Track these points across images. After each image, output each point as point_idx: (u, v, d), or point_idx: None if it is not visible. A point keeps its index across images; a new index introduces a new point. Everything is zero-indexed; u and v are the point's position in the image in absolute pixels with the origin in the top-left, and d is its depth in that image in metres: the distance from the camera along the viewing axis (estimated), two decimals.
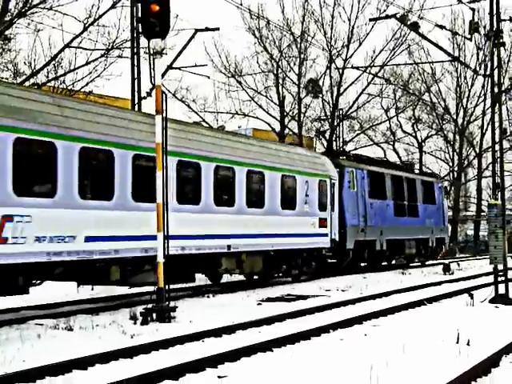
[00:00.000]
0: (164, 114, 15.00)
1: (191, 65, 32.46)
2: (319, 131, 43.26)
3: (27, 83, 25.94)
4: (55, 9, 25.98)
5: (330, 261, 26.38)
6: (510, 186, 54.06)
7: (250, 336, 12.47)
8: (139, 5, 16.50)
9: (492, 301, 18.03)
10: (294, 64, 44.39)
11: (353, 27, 43.59)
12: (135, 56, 23.63)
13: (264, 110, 44.93)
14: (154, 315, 14.25)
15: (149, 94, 23.53)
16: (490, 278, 20.59)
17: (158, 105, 14.93)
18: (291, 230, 22.26)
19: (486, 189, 59.16)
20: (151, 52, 15.48)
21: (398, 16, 26.49)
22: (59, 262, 14.13)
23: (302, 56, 44.06)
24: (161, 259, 14.53)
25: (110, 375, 9.03)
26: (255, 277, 23.50)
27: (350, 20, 43.56)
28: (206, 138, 18.94)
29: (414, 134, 58.81)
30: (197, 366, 9.68)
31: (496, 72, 20.13)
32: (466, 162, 60.51)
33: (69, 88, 27.86)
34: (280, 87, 44.47)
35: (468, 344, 11.33)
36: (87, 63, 27.57)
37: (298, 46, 43.86)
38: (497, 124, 19.85)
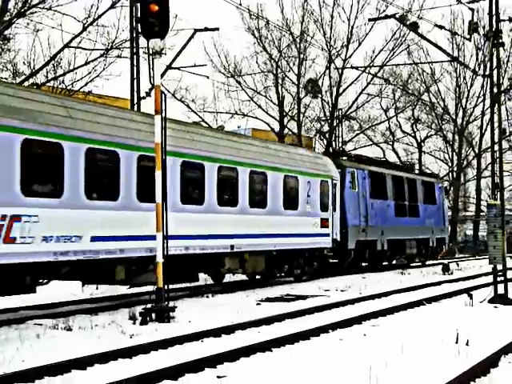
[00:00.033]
0: (163, 114, 15.02)
1: (190, 65, 32.51)
2: (320, 132, 43.26)
3: (26, 83, 25.94)
4: (54, 9, 26.07)
5: (331, 261, 26.42)
6: (509, 186, 54.05)
7: (249, 336, 12.47)
8: (138, 5, 16.48)
9: (491, 301, 18.04)
10: (294, 64, 44.43)
11: (352, 27, 43.69)
12: (134, 56, 23.61)
13: (263, 110, 44.98)
14: (153, 315, 14.26)
15: (148, 94, 23.50)
16: (489, 278, 20.57)
17: (157, 105, 14.93)
18: (293, 230, 22.29)
19: (485, 189, 59.13)
20: (150, 52, 15.47)
21: (397, 16, 26.52)
22: (66, 262, 14.22)
23: (302, 56, 44.08)
24: (160, 259, 14.54)
25: (109, 375, 9.03)
26: (257, 276, 23.52)
27: (349, 20, 43.69)
28: (210, 139, 19.00)
29: (413, 134, 58.87)
30: (196, 366, 9.68)
31: (495, 72, 20.15)
32: (465, 162, 60.55)
33: (68, 88, 27.87)
34: (279, 87, 44.48)
35: (467, 344, 11.33)
36: (86, 63, 27.60)
37: (298, 46, 43.88)
38: (496, 124, 19.87)
